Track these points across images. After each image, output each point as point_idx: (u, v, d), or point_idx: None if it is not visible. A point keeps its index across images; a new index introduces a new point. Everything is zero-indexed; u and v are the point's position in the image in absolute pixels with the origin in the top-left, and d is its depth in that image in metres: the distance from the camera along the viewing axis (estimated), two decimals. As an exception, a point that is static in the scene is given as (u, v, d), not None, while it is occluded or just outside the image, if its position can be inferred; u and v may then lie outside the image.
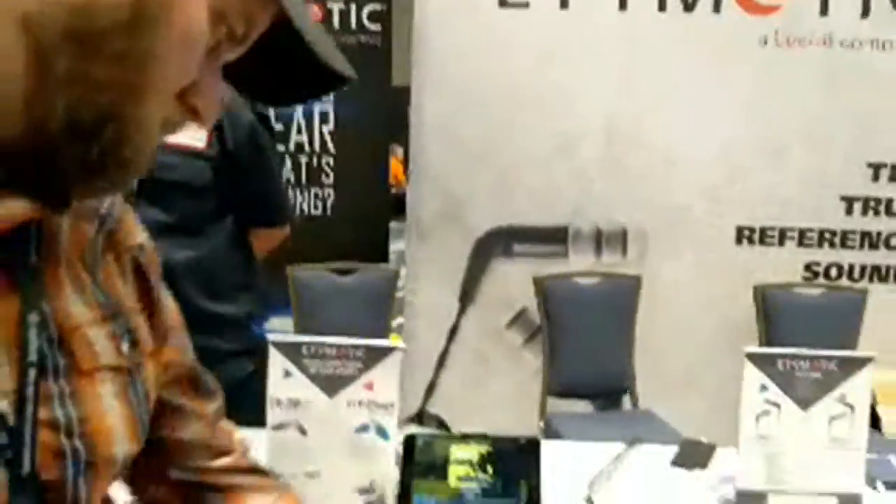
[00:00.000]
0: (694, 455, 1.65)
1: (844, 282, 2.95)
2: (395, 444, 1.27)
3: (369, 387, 1.27)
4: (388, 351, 1.23)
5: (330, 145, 3.52)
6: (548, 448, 1.77)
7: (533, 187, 3.03)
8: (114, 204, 0.61)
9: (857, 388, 1.28)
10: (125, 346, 0.58)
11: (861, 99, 2.83)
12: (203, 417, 0.73)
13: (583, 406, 2.97)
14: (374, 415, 1.30)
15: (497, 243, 3.08)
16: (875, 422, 2.67)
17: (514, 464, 1.16)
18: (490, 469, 1.16)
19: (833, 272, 2.98)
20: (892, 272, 2.98)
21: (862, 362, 1.29)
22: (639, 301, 2.77)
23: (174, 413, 0.70)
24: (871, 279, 2.97)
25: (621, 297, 2.81)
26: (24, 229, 0.50)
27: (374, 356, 1.23)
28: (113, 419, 0.56)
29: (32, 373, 0.50)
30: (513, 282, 3.06)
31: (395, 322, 3.27)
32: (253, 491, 0.75)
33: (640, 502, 1.41)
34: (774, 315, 2.63)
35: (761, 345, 2.62)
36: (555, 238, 3.06)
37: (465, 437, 1.18)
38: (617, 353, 2.82)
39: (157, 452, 0.69)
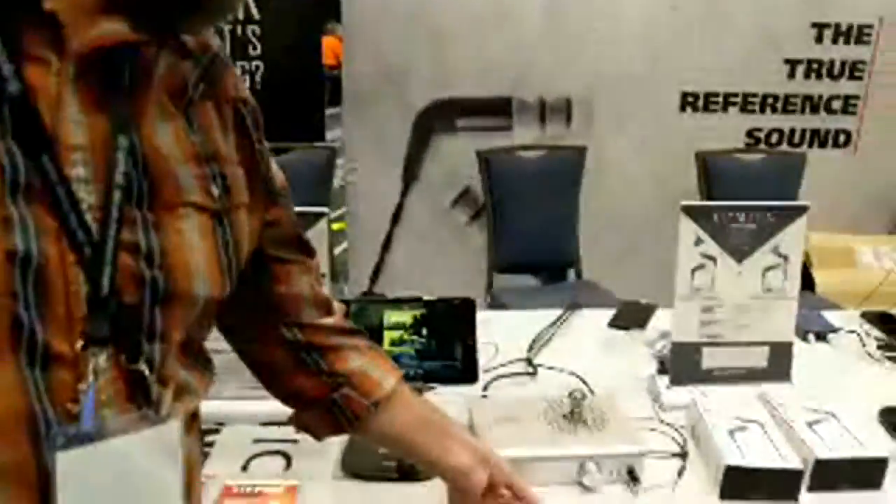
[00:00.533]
0: (632, 316, 1.67)
1: (785, 147, 2.98)
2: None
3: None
4: (316, 217, 1.17)
5: (254, 10, 3.27)
6: (490, 317, 1.80)
7: (472, 57, 2.90)
8: (217, 55, 0.62)
9: (791, 237, 1.28)
10: (215, 190, 0.58)
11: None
12: (310, 271, 0.77)
13: (528, 281, 2.99)
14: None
15: (438, 118, 2.98)
16: (810, 285, 2.77)
17: (449, 325, 1.14)
18: (424, 331, 1.14)
19: (774, 138, 2.99)
20: (830, 136, 3.01)
21: (797, 212, 1.28)
22: (583, 173, 2.74)
23: (284, 268, 0.74)
24: (810, 144, 3.00)
25: (566, 170, 2.76)
26: (121, 52, 0.51)
27: (302, 222, 1.16)
28: (195, 256, 0.56)
29: (118, 194, 0.50)
30: (456, 158, 2.99)
31: (338, 212, 3.19)
32: (351, 350, 0.80)
33: (579, 361, 1.42)
34: (716, 182, 2.64)
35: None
36: (498, 110, 2.97)
37: (399, 302, 1.15)
38: (561, 226, 2.81)
39: (271, 308, 0.75)
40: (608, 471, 1.07)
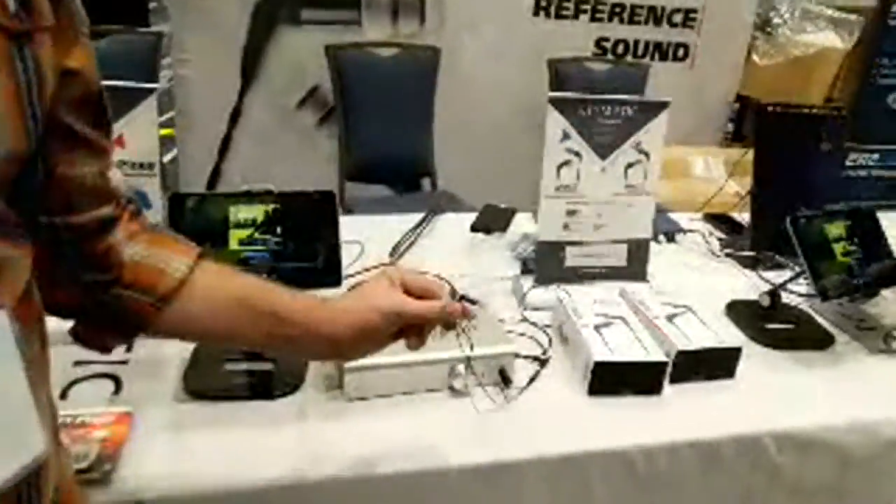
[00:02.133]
0: (494, 219, 1.62)
1: (629, 58, 3.04)
2: (160, 212, 1.06)
3: (119, 142, 1.02)
4: (144, 93, 0.97)
5: None
6: (346, 222, 1.68)
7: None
8: None
9: (653, 134, 1.28)
10: (12, 5, 0.46)
11: None
12: (102, 156, 0.61)
13: (381, 191, 2.88)
14: (133, 180, 1.07)
15: (281, 7, 2.70)
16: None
17: (308, 222, 1.02)
18: (279, 229, 1.01)
19: (620, 48, 3.04)
20: (671, 49, 3.10)
21: (659, 107, 1.26)
22: (438, 75, 2.62)
23: (70, 143, 0.57)
24: (652, 56, 3.08)
25: (421, 71, 2.63)
26: None
27: (125, 101, 0.97)
28: None
29: None
30: (302, 54, 2.75)
31: (166, 116, 2.84)
32: (126, 241, 0.65)
33: (443, 265, 1.35)
34: (566, 88, 2.64)
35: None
36: (346, 2, 2.74)
37: (247, 196, 1.00)
38: (416, 132, 2.70)
39: (54, 195, 0.57)
40: (479, 373, 1.02)
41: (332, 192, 1.05)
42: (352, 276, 1.25)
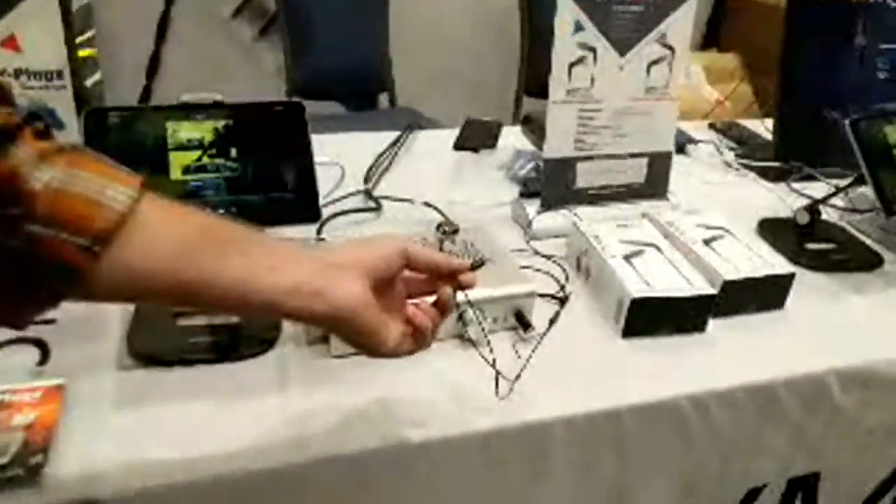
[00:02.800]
0: (479, 135, 1.41)
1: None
2: (75, 135, 0.82)
3: (12, 45, 0.77)
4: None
5: None
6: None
7: None
8: None
9: (679, 24, 1.07)
10: None
11: None
12: None
13: (334, 108, 2.62)
14: (36, 94, 0.82)
15: None
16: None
17: (271, 140, 0.79)
18: (234, 151, 0.78)
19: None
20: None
21: (687, -8, 1.06)
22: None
23: None
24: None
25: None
26: None
27: None
28: None
29: None
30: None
31: (86, 35, 2.48)
32: (35, 162, 0.44)
33: (428, 191, 1.15)
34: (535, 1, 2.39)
35: (523, 31, 2.40)
36: None
37: (190, 109, 0.76)
38: (371, 42, 2.44)
39: None
40: (492, 318, 0.84)
41: (300, 102, 0.82)
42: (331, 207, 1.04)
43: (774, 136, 1.33)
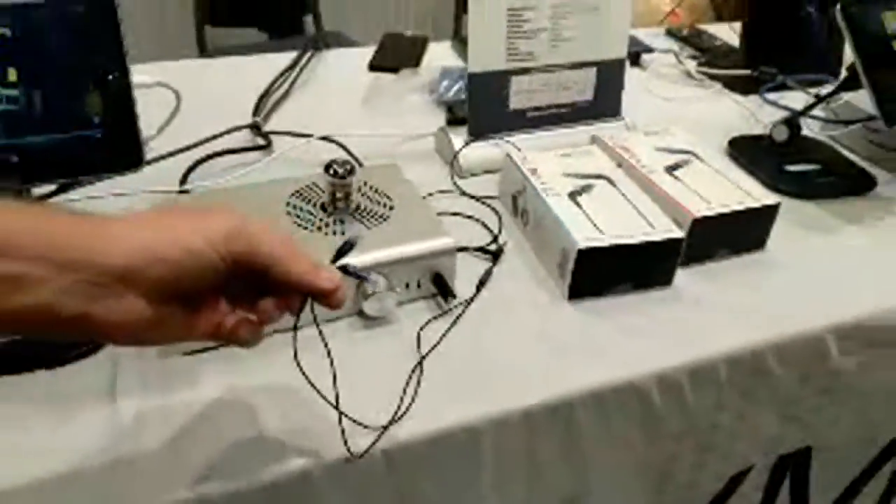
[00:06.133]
0: (400, 53, 1.18)
1: None
2: None
3: None
4: None
5: None
6: (191, 68, 1.20)
7: None
8: None
9: None
10: None
11: None
12: None
13: (254, 36, 2.34)
14: None
15: None
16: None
17: (69, 50, 0.56)
18: (16, 74, 0.55)
19: None
20: None
21: None
22: None
23: None
24: None
25: None
26: None
27: None
28: None
29: None
30: None
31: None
32: None
33: (333, 122, 0.93)
34: None
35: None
36: None
37: None
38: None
39: None
40: (403, 285, 0.65)
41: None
42: (186, 149, 0.81)
43: (742, 41, 1.13)
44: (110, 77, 0.56)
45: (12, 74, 0.54)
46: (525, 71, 0.89)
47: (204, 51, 2.17)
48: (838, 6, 0.77)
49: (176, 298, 0.38)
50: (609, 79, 0.93)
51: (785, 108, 1.01)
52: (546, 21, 0.87)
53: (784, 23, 1.09)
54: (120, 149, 0.57)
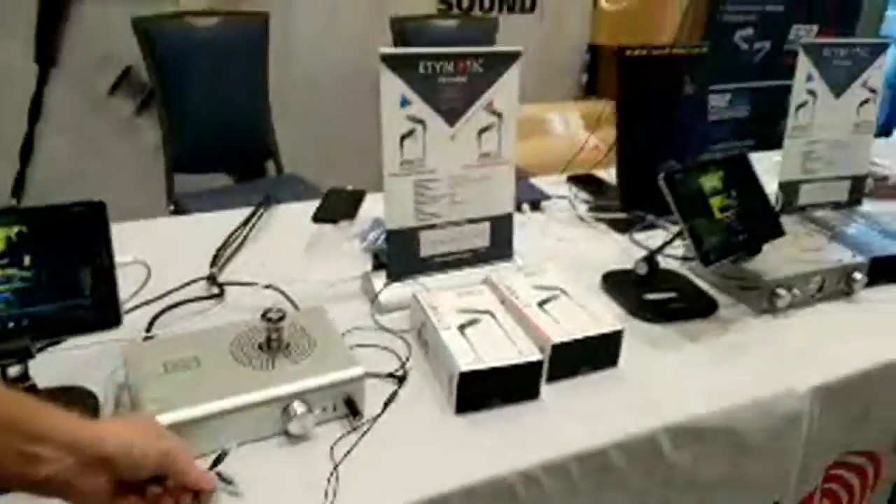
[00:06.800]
0: (339, 205, 1.41)
1: (477, 12, 2.87)
2: None
3: None
4: None
5: None
6: (161, 226, 1.41)
7: None
8: None
9: (505, 91, 1.10)
10: None
11: None
12: None
13: (222, 180, 2.58)
14: None
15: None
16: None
17: (68, 245, 0.76)
18: (27, 259, 0.75)
19: (465, 2, 2.87)
20: (517, 0, 2.97)
21: (509, 58, 1.09)
22: (268, 44, 2.34)
23: None
24: (500, 8, 2.93)
25: (248, 42, 2.34)
26: None
27: None
28: None
29: None
30: (109, 31, 2.37)
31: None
32: None
33: (279, 270, 1.13)
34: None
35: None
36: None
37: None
38: (250, 110, 2.41)
39: None
40: (321, 408, 0.82)
41: (102, 202, 0.79)
42: (152, 301, 1.00)
43: (618, 188, 1.38)
44: (98, 259, 0.75)
45: (27, 260, 0.74)
46: (431, 227, 1.11)
47: (172, 194, 2.39)
48: (661, 174, 1.01)
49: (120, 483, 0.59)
50: (500, 229, 1.16)
51: (645, 247, 1.23)
52: (446, 189, 1.10)
53: (648, 172, 1.34)
54: (104, 312, 0.76)
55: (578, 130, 2.60)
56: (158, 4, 2.38)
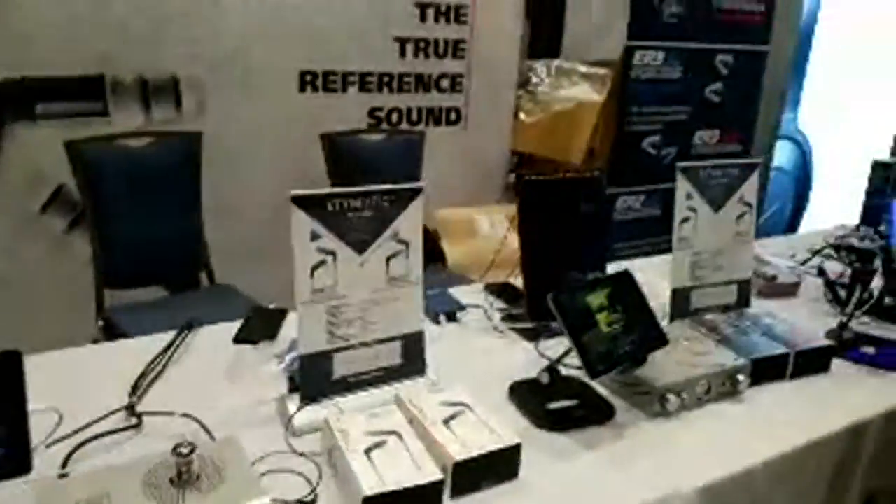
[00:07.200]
0: (261, 326, 1.46)
1: (405, 125, 3.05)
2: None
3: None
4: None
5: None
6: (81, 357, 1.42)
7: (50, 24, 2.36)
8: None
9: (410, 221, 1.20)
10: None
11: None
12: None
13: (157, 293, 2.60)
14: None
15: (10, 101, 2.38)
16: (441, 258, 2.88)
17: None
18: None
19: (394, 117, 3.04)
20: (443, 113, 3.16)
21: (413, 193, 1.19)
22: (201, 161, 2.43)
23: None
24: (427, 122, 3.12)
25: (181, 160, 2.41)
26: None
27: None
28: None
29: None
30: (41, 152, 2.43)
31: None
32: None
33: (198, 396, 1.17)
34: (343, 163, 2.56)
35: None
36: (88, 92, 2.48)
37: None
38: (184, 225, 2.47)
39: None
40: (229, 539, 0.85)
41: (18, 351, 0.84)
42: (67, 437, 1.02)
43: (526, 300, 1.48)
44: (10, 409, 0.79)
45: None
46: (344, 349, 1.17)
47: (102, 310, 2.39)
48: (549, 295, 1.11)
49: None
50: (411, 347, 1.23)
51: (548, 358, 1.32)
52: (358, 312, 1.17)
53: (551, 284, 1.44)
54: (13, 460, 0.79)
55: (504, 231, 2.74)
56: (90, 125, 2.46)
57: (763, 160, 1.54)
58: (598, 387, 1.27)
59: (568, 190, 1.49)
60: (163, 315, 2.05)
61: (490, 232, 2.98)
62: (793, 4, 3.60)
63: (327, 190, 1.13)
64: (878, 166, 2.40)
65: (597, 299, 1.17)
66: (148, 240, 2.35)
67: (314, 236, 1.12)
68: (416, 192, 1.20)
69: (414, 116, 3.10)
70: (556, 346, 1.39)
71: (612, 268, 1.82)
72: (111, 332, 2.17)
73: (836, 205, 3.04)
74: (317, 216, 1.12)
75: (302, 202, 1.11)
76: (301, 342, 1.14)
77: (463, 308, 1.57)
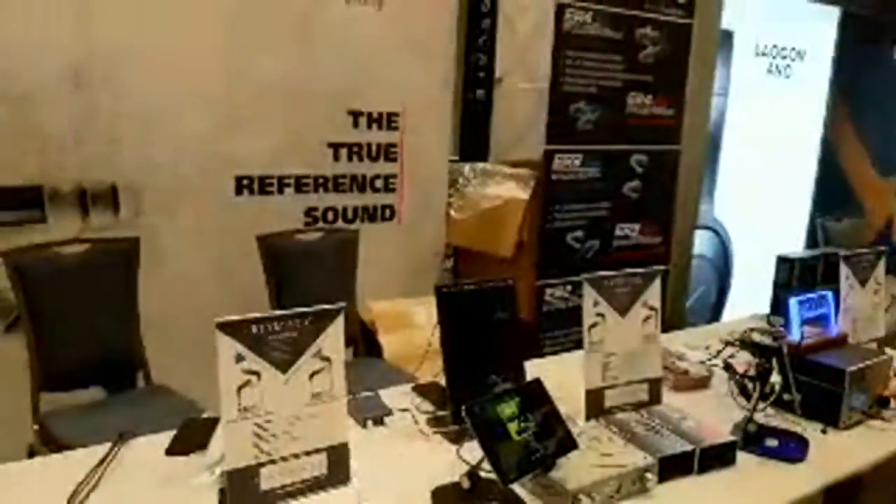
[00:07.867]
0: (193, 436, 1.50)
1: (340, 223, 3.16)
2: None
3: None
4: None
5: None
6: (20, 472, 1.43)
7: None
8: None
9: (332, 339, 1.28)
10: None
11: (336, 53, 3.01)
12: None
13: (92, 394, 2.57)
14: None
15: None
16: (378, 351, 2.94)
17: None
18: None
19: (330, 216, 3.16)
20: (378, 211, 3.30)
21: (333, 314, 1.28)
22: (138, 266, 2.47)
23: None
24: (362, 219, 3.25)
25: (117, 265, 2.46)
26: None
27: None
28: None
29: None
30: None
31: None
32: None
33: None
34: (280, 263, 2.64)
35: (271, 296, 2.62)
36: (26, 202, 2.52)
37: None
38: (120, 329, 2.49)
39: None
40: None
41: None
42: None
43: (449, 405, 1.56)
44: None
45: None
46: (271, 462, 1.23)
47: (37, 414, 2.35)
48: (464, 407, 1.20)
49: None
50: (336, 457, 1.29)
51: (468, 462, 1.39)
52: (284, 427, 1.24)
53: (473, 388, 1.53)
54: None
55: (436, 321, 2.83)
56: (28, 232, 2.49)
57: (668, 267, 1.69)
58: (519, 489, 1.34)
59: (482, 299, 1.61)
60: (98, 419, 2.05)
61: (426, 322, 3.05)
62: (700, 108, 3.92)
63: (251, 315, 1.21)
64: (782, 261, 2.60)
65: (508, 409, 1.26)
66: (84, 343, 2.36)
67: (239, 358, 1.20)
68: (336, 312, 1.29)
69: (349, 214, 3.22)
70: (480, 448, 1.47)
71: (538, 364, 1.94)
72: (47, 437, 2.15)
73: (755, 289, 3.25)
74: (241, 340, 1.20)
75: (226, 328, 1.18)
76: (228, 458, 1.20)
77: (390, 413, 1.64)
